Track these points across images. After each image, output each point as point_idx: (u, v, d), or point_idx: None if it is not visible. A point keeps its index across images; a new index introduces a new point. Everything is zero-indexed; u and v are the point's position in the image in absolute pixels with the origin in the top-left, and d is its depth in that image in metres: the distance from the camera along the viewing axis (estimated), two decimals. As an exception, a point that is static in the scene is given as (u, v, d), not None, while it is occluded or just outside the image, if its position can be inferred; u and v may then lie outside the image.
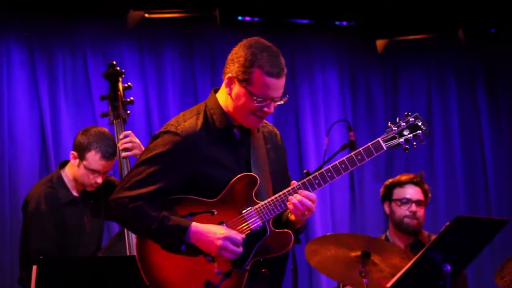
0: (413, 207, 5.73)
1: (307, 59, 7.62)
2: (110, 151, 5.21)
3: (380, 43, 7.69)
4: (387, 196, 5.82)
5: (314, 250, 5.20)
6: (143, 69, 7.13)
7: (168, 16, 7.05)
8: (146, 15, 6.95)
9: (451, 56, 7.97)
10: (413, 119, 3.89)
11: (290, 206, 3.72)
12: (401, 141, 3.84)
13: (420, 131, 3.87)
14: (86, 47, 6.95)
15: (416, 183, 5.80)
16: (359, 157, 3.76)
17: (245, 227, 3.74)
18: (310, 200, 3.73)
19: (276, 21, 7.52)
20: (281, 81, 3.76)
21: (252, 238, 3.74)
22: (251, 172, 3.79)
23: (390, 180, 5.88)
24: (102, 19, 7.03)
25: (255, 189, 3.76)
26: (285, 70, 3.78)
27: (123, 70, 5.51)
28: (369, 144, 3.77)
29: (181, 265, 3.70)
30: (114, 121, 5.39)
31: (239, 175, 3.76)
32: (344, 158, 3.77)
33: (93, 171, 5.21)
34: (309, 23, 7.64)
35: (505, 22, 7.65)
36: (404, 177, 5.83)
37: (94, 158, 5.20)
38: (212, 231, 3.68)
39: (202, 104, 3.90)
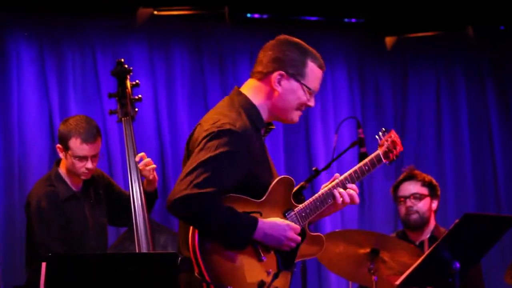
0: (408, 202, 5.79)
1: (316, 56, 7.61)
2: (89, 134, 5.22)
3: (389, 41, 7.69)
4: (394, 199, 5.92)
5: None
6: (152, 66, 7.13)
7: (177, 13, 7.06)
8: (155, 12, 6.96)
9: (460, 54, 7.96)
10: (392, 136, 4.27)
11: (337, 194, 4.00)
12: (391, 155, 4.30)
13: (398, 146, 4.29)
14: (95, 44, 6.96)
15: (408, 179, 5.88)
16: (365, 167, 4.14)
17: None
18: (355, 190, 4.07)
19: (285, 18, 7.52)
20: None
21: None
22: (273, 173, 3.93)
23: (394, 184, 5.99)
24: (111, 16, 7.04)
25: (293, 191, 3.90)
26: None
27: (131, 68, 5.52)
28: (372, 155, 4.16)
29: (239, 264, 3.75)
30: (123, 118, 5.40)
31: (279, 177, 3.88)
32: (356, 168, 4.12)
33: (80, 158, 5.22)
34: (318, 20, 7.63)
35: (514, 20, 7.65)
36: (400, 177, 5.92)
37: (76, 144, 5.21)
38: (277, 223, 3.78)
39: (231, 100, 3.92)
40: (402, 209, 5.82)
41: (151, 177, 5.22)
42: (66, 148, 5.24)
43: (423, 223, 5.79)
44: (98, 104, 6.88)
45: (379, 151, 4.20)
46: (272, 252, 3.81)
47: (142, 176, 5.19)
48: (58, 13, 6.88)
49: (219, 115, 3.83)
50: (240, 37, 7.42)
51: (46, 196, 5.26)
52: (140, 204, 5.19)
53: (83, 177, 5.30)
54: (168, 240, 5.27)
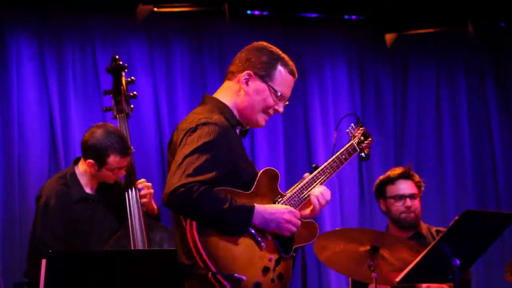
0: (408, 202, 5.78)
1: (316, 53, 7.62)
2: (125, 148, 5.18)
3: (389, 37, 7.68)
4: (381, 194, 5.89)
5: (323, 245, 5.21)
6: (152, 63, 7.13)
7: (177, 10, 7.05)
8: (155, 9, 6.95)
9: (460, 50, 7.96)
10: (362, 129, 4.40)
11: (313, 198, 4.01)
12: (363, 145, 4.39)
13: (370, 138, 4.41)
14: (95, 41, 6.96)
15: (406, 177, 5.86)
16: (343, 156, 4.26)
17: None
18: (326, 197, 4.08)
19: (285, 15, 7.52)
20: (293, 83, 4.03)
21: None
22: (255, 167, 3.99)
23: (381, 178, 5.94)
24: (111, 13, 7.04)
25: (278, 181, 3.96)
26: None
27: (126, 64, 5.52)
28: (348, 146, 4.30)
29: (242, 252, 3.80)
30: (117, 115, 5.41)
31: (264, 169, 3.95)
32: (334, 157, 4.22)
33: (117, 169, 5.22)
34: (318, 17, 7.64)
35: (515, 16, 7.65)
36: (393, 173, 5.88)
37: (115, 160, 5.15)
38: (275, 208, 3.85)
39: (203, 104, 4.04)
40: (399, 207, 5.80)
41: (145, 200, 5.23)
42: (103, 164, 5.17)
43: (417, 222, 5.82)
44: (98, 101, 6.88)
45: (353, 141, 4.32)
46: (270, 239, 3.86)
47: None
48: (58, 9, 6.88)
49: (193, 115, 3.93)
50: (240, 33, 7.42)
51: (56, 195, 5.25)
52: (135, 202, 5.19)
53: (111, 181, 5.31)
54: (163, 237, 5.27)
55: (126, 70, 5.53)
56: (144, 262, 3.92)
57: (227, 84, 4.01)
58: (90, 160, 5.19)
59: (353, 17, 7.68)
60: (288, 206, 3.88)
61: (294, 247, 3.92)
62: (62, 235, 5.21)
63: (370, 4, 7.42)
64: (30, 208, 5.46)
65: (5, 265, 6.54)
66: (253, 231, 3.80)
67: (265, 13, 7.46)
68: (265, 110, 3.94)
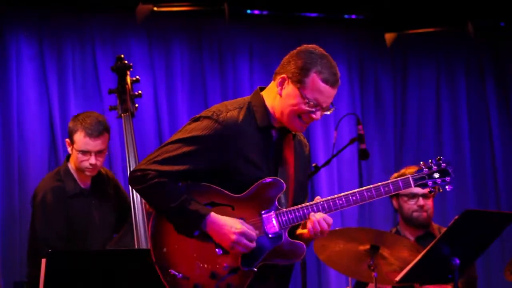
0: (421, 201, 5.75)
1: (316, 53, 7.60)
2: (93, 129, 5.21)
3: (389, 37, 7.68)
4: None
5: (323, 245, 5.21)
6: (152, 62, 7.13)
7: (176, 9, 7.05)
8: (155, 8, 6.95)
9: (460, 50, 7.96)
10: (444, 164, 3.98)
11: (309, 224, 3.79)
12: (430, 183, 3.95)
13: (449, 177, 3.99)
14: (95, 40, 6.96)
15: None
16: (386, 188, 3.85)
17: (262, 229, 3.77)
18: (327, 223, 3.79)
19: (285, 15, 7.51)
20: (334, 91, 3.85)
21: (266, 241, 3.78)
22: (277, 175, 3.84)
23: (395, 174, 5.90)
24: (111, 12, 7.04)
25: (280, 194, 3.81)
26: (340, 82, 3.86)
27: (131, 64, 5.52)
28: (398, 179, 3.85)
29: (192, 250, 3.73)
30: (122, 114, 5.41)
31: (267, 178, 3.81)
32: (371, 186, 3.85)
33: (83, 152, 5.22)
34: (318, 16, 7.64)
35: (514, 16, 7.65)
36: (408, 171, 5.85)
37: (79, 138, 5.21)
38: (229, 224, 3.72)
39: (246, 98, 3.94)
40: (412, 206, 5.78)
41: None
42: (72, 142, 5.26)
43: (429, 222, 5.81)
44: (98, 100, 6.88)
45: (411, 175, 3.91)
46: None
47: None
48: (58, 9, 6.88)
49: (217, 105, 3.89)
50: (240, 33, 7.42)
51: (52, 191, 5.26)
52: (139, 200, 5.20)
53: (87, 173, 5.29)
54: None
55: (131, 69, 5.54)
56: (144, 261, 3.91)
57: (271, 84, 3.94)
58: (67, 139, 5.31)
59: (353, 16, 7.68)
60: (243, 227, 3.71)
61: (261, 263, 3.74)
62: (62, 232, 5.22)
63: (370, 4, 7.42)
64: (30, 208, 5.46)
65: (5, 265, 6.55)
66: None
67: (265, 12, 7.46)
68: (299, 116, 3.84)
